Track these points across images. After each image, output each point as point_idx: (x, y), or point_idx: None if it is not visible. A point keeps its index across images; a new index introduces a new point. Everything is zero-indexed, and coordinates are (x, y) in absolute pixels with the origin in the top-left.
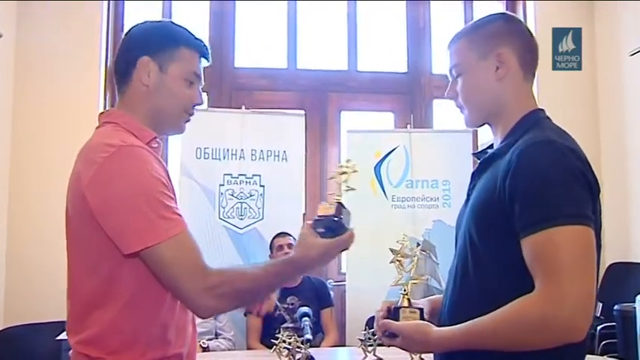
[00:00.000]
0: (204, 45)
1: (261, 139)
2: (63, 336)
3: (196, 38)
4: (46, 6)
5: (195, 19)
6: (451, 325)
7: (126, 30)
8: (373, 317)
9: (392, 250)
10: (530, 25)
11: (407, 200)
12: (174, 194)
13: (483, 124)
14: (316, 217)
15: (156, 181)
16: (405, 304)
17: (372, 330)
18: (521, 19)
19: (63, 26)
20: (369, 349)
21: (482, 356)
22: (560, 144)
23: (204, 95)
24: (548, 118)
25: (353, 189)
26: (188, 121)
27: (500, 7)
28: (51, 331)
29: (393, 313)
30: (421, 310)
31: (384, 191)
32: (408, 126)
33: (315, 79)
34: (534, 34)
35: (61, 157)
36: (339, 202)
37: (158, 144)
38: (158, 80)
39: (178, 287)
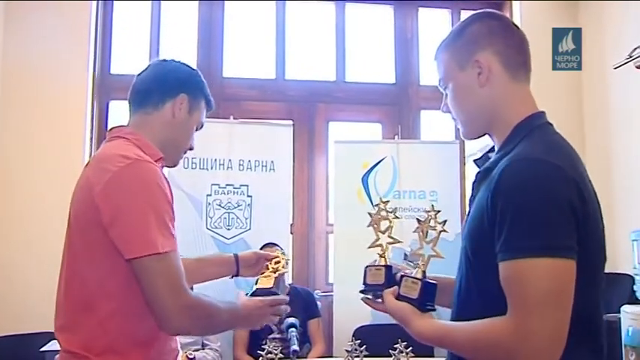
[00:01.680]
0: (212, 102)
1: (249, 150)
2: (47, 347)
3: (209, 94)
4: (35, 6)
5: (183, 30)
6: None
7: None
8: (361, 327)
9: (418, 220)
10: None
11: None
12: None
13: (483, 134)
14: (254, 290)
15: (165, 199)
16: (419, 276)
17: (359, 341)
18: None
19: (51, 26)
20: None
21: None
22: (543, 162)
23: None
24: (547, 123)
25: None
26: (181, 158)
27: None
28: (35, 342)
29: (399, 280)
30: (434, 285)
31: (371, 202)
32: (396, 137)
33: (303, 89)
34: (534, 39)
35: (48, 159)
36: (279, 276)
37: (162, 165)
38: (184, 118)
39: (159, 300)
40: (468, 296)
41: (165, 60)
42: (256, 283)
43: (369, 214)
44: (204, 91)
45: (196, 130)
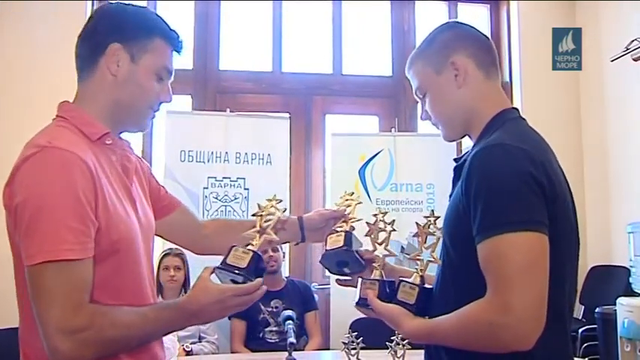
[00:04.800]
0: (179, 38)
1: (246, 142)
2: None
3: (171, 30)
4: (29, 6)
5: (179, 22)
6: None
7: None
8: (358, 320)
9: (417, 225)
10: (515, 25)
11: (391, 204)
12: (114, 206)
13: (464, 135)
14: (220, 265)
15: (73, 195)
16: (417, 281)
17: (356, 333)
18: (505, 20)
19: (46, 26)
20: (353, 352)
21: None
22: (510, 146)
23: (189, 98)
24: (519, 117)
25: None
26: (153, 117)
27: (484, 11)
28: None
29: (397, 285)
30: (430, 290)
31: (368, 195)
32: (393, 129)
33: (300, 82)
34: (531, 35)
35: None
36: (255, 252)
37: (113, 140)
38: (128, 71)
39: (41, 319)
40: (444, 287)
41: (102, 7)
42: (229, 252)
43: (367, 223)
44: (152, 29)
45: (162, 78)
